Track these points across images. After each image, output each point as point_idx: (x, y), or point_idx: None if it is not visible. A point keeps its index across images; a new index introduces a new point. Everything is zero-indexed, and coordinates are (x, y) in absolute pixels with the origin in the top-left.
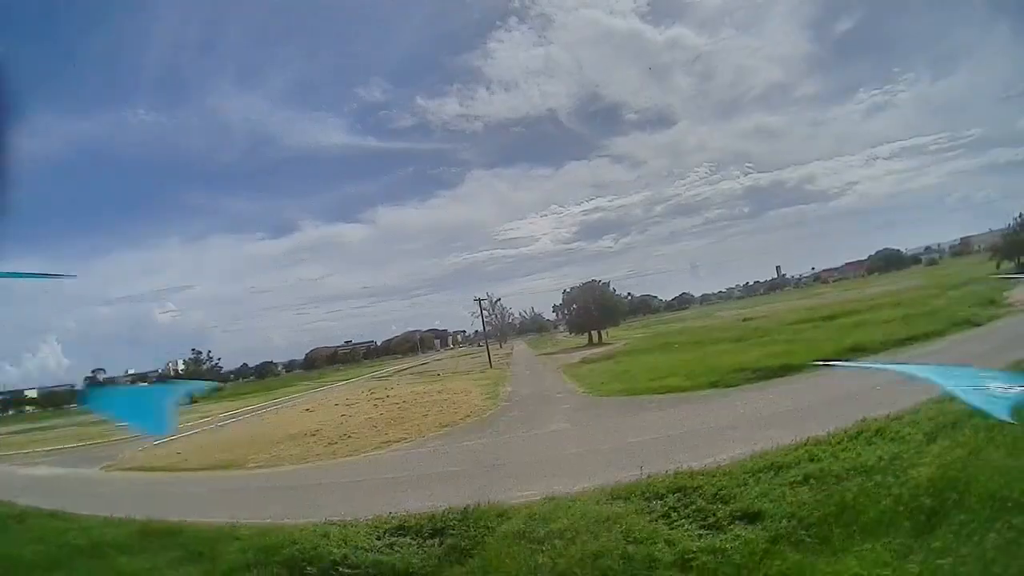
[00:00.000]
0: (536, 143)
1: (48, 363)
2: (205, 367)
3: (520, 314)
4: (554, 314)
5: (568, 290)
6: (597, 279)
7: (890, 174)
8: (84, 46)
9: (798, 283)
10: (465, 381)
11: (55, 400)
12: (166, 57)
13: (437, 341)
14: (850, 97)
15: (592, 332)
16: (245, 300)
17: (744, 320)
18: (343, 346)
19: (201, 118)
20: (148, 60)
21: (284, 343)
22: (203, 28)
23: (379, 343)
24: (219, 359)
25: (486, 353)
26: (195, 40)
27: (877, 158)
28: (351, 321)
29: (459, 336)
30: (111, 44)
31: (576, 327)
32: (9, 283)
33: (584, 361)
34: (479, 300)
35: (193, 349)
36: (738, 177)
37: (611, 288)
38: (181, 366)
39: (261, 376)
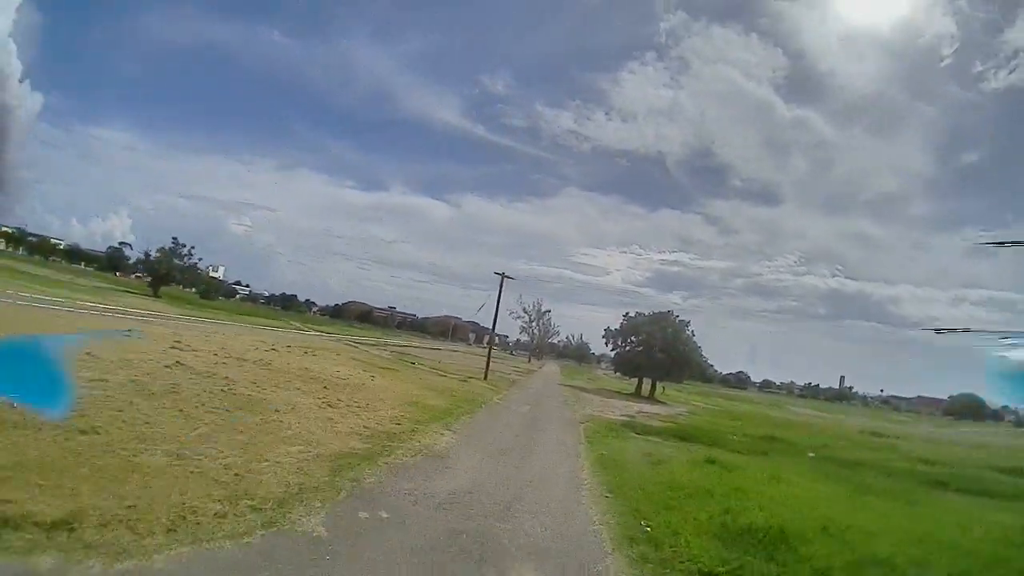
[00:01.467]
0: (637, 180)
1: (113, 232)
2: (184, 263)
3: (567, 337)
4: (604, 342)
5: (632, 314)
6: (673, 313)
7: (972, 319)
8: None
9: (865, 401)
10: (414, 388)
11: None
12: None
13: (472, 335)
14: (957, 231)
15: (642, 379)
16: (317, 239)
17: (874, 435)
18: (379, 308)
19: (330, 57)
20: None
21: (339, 289)
22: None
23: (419, 318)
24: (199, 258)
25: (486, 359)
26: None
27: (965, 300)
28: (407, 291)
29: (496, 337)
30: None
31: (626, 366)
32: (102, 150)
33: (631, 426)
34: (502, 275)
35: (174, 238)
36: (825, 276)
37: (690, 331)
38: (155, 254)
39: (285, 307)
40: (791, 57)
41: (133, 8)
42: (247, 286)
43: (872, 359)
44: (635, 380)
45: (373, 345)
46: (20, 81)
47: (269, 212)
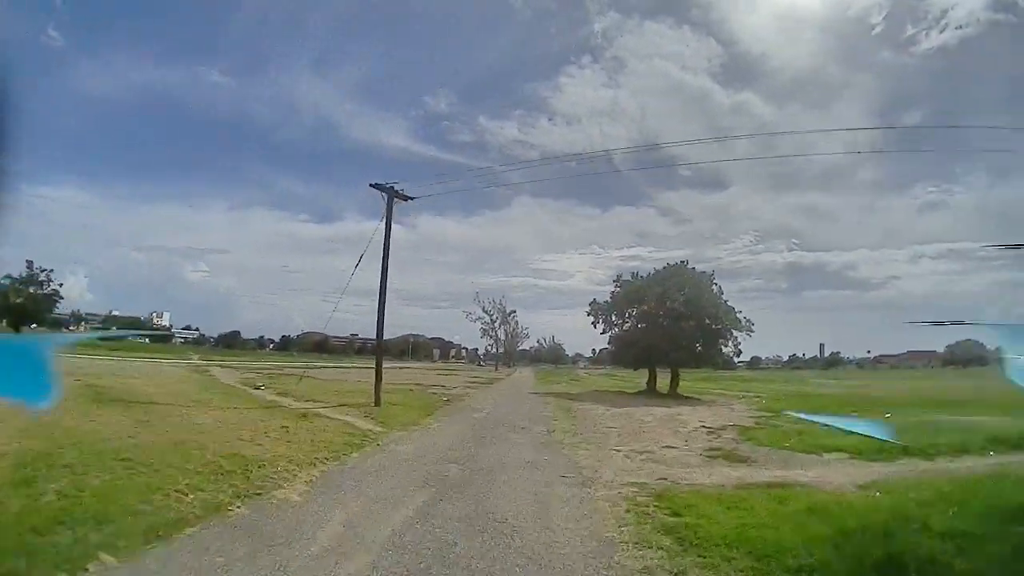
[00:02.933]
0: (587, 181)
1: (72, 293)
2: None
3: (539, 341)
4: (591, 321)
5: (628, 277)
6: (688, 263)
7: (933, 274)
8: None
9: (859, 364)
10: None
11: None
12: (249, 26)
13: (436, 351)
14: (906, 191)
15: (653, 369)
16: (276, 276)
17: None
18: (338, 337)
19: (271, 92)
20: (231, 25)
21: (304, 324)
22: (290, 7)
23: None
24: (60, 284)
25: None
26: (280, 16)
27: (923, 256)
28: (372, 318)
29: (463, 350)
30: (197, 2)
31: (627, 352)
32: (51, 209)
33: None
34: (381, 189)
35: (28, 261)
36: (782, 252)
37: (716, 286)
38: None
39: (228, 345)
40: (724, 44)
41: (66, 62)
42: (196, 329)
43: (842, 325)
44: (633, 372)
45: (258, 371)
46: None
47: (225, 255)
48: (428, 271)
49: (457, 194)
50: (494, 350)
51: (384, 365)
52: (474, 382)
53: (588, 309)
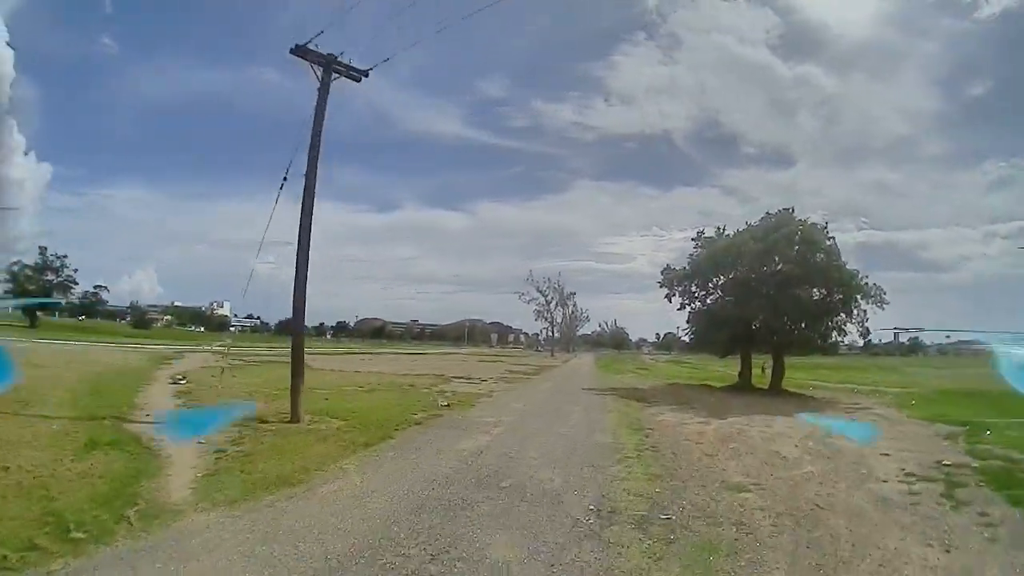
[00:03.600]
0: (647, 162)
1: (141, 287)
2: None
3: (600, 325)
4: (665, 294)
5: (712, 234)
6: (793, 212)
7: (1007, 254)
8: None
9: (941, 350)
10: None
11: None
12: (298, 23)
13: (494, 336)
14: (975, 166)
15: (748, 354)
16: (339, 266)
17: None
18: (397, 323)
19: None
20: (281, 23)
21: (367, 312)
22: (336, 1)
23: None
24: (75, 269)
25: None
26: (328, 11)
27: (995, 235)
28: (434, 304)
29: (522, 335)
30: (245, 2)
31: (714, 331)
32: (118, 208)
33: None
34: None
35: (41, 247)
36: (851, 231)
37: (831, 241)
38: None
39: (279, 332)
40: (781, 14)
41: (125, 70)
42: (258, 318)
43: (914, 308)
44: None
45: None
46: (25, 154)
47: (289, 246)
48: (488, 257)
49: (517, 179)
50: (550, 334)
51: (432, 351)
52: (515, 372)
53: (660, 279)
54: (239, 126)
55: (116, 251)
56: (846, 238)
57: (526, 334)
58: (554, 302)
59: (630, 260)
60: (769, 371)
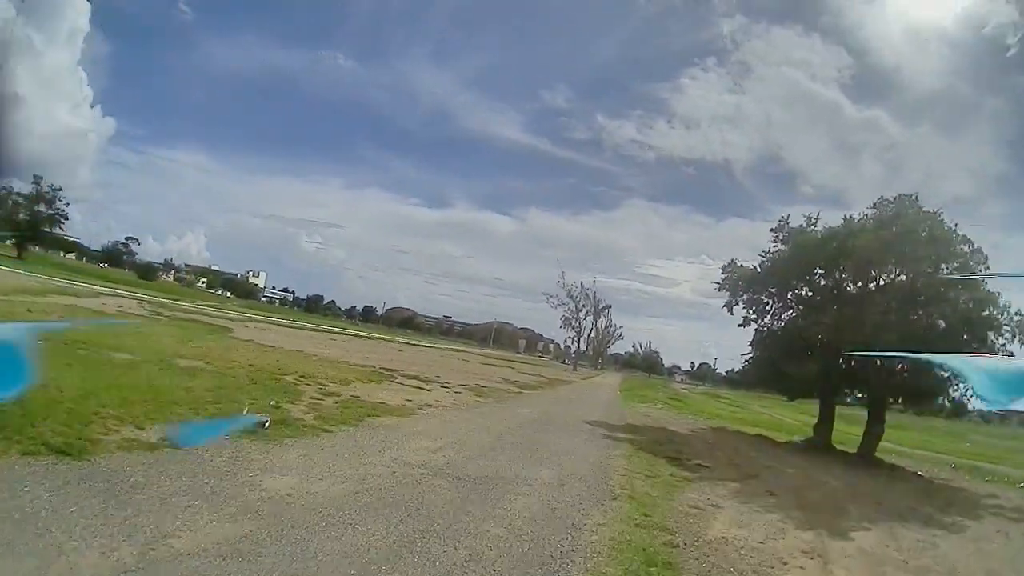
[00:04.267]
0: (703, 189)
1: (188, 249)
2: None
3: (634, 346)
4: (725, 304)
5: (809, 220)
6: (916, 198)
7: None
8: None
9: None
10: None
11: None
12: (372, 14)
13: (523, 342)
14: None
15: (830, 403)
16: (385, 255)
17: None
18: (428, 316)
19: (391, 78)
20: (355, 12)
21: (407, 303)
22: None
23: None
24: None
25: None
26: (402, 5)
27: None
28: (474, 305)
29: (552, 344)
30: None
31: (800, 369)
32: (177, 172)
33: None
34: None
35: (36, 176)
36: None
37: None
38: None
39: (309, 309)
40: (855, 55)
41: (198, 37)
42: (292, 291)
43: None
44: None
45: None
46: (92, 107)
47: (339, 229)
48: (531, 264)
49: (570, 190)
50: (576, 345)
51: (442, 346)
52: (511, 383)
53: (720, 280)
54: (303, 106)
55: (168, 211)
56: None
57: (557, 344)
58: (585, 311)
59: (674, 285)
60: (869, 433)
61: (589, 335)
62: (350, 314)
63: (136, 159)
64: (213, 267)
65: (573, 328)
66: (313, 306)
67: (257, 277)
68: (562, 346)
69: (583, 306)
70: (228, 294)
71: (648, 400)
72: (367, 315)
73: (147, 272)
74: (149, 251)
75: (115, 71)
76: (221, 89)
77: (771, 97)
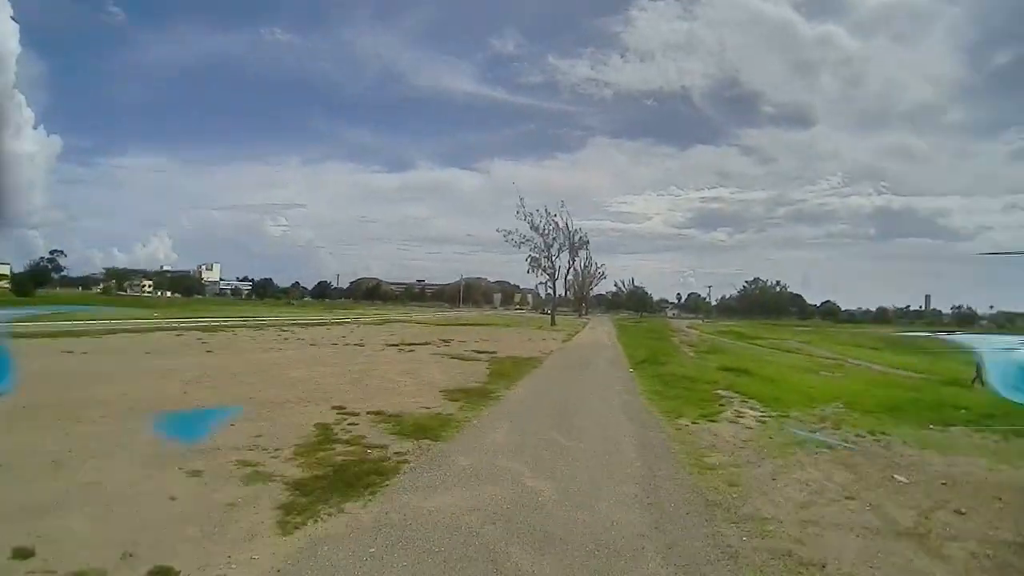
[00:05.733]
0: (664, 120)
1: (156, 255)
2: None
3: (616, 285)
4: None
5: None
6: None
7: None
8: None
9: (991, 319)
10: None
11: None
12: None
13: (497, 296)
14: (998, 135)
15: None
16: (353, 227)
17: None
18: (396, 283)
19: (334, 47)
20: None
21: (382, 273)
22: None
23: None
24: None
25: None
26: None
27: (1016, 207)
28: (448, 265)
29: (529, 295)
30: None
31: None
32: (132, 178)
33: None
34: None
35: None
36: (870, 195)
37: None
38: None
39: (259, 294)
40: None
41: (133, 36)
42: (250, 279)
43: (931, 276)
44: None
45: None
46: (35, 128)
47: (303, 209)
48: (503, 217)
49: (531, 137)
50: (552, 291)
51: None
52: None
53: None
54: (249, 89)
55: (130, 219)
56: (864, 202)
57: (537, 294)
58: (557, 246)
59: (646, 219)
60: None
61: (567, 277)
62: (314, 293)
63: (89, 172)
64: (165, 268)
65: (545, 271)
66: (264, 291)
67: (210, 270)
68: (543, 295)
69: (554, 240)
70: (169, 294)
71: (662, 360)
72: (322, 291)
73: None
74: (119, 262)
75: (54, 87)
76: (164, 85)
77: (723, 20)
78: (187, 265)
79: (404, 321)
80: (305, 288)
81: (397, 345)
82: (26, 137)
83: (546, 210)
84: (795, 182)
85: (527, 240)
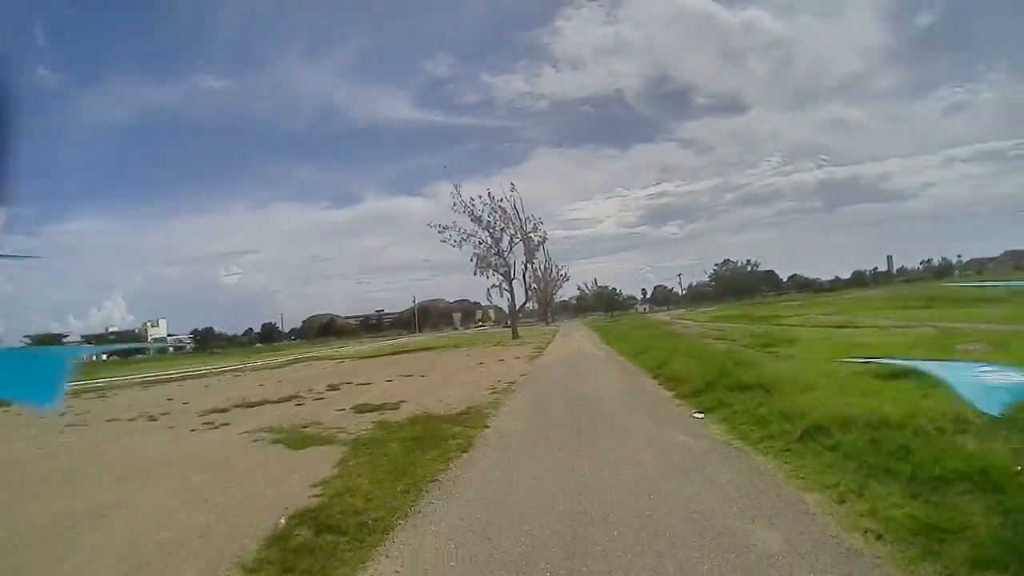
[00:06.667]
0: (603, 123)
1: (112, 316)
2: None
3: (579, 288)
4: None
5: None
6: None
7: (967, 178)
8: (154, 14)
9: (961, 270)
10: None
11: None
12: (235, 25)
13: (457, 315)
14: (929, 94)
15: None
16: (308, 266)
17: None
18: (351, 316)
19: (269, 87)
20: (217, 27)
21: (343, 309)
22: None
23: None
24: None
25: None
26: (264, 9)
27: (955, 160)
28: (408, 293)
29: (490, 311)
30: (181, 11)
31: None
32: (80, 242)
33: None
34: None
35: None
36: (812, 170)
37: None
38: None
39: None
40: None
41: (67, 96)
42: (198, 331)
43: (883, 239)
44: None
45: None
46: None
47: (254, 254)
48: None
49: (474, 156)
50: (510, 297)
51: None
52: None
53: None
54: (187, 138)
55: (82, 284)
56: (807, 177)
57: (499, 308)
58: (508, 239)
59: (597, 223)
60: None
61: (525, 277)
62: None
63: (33, 242)
64: (112, 330)
65: (497, 270)
66: (205, 342)
67: (156, 326)
68: (498, 301)
69: (503, 231)
70: (104, 357)
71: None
72: (267, 334)
73: None
74: (76, 330)
75: None
76: (102, 145)
77: (647, 20)
78: (142, 321)
79: (328, 358)
80: (259, 333)
81: (216, 411)
82: None
83: (489, 195)
84: (737, 167)
85: (469, 236)
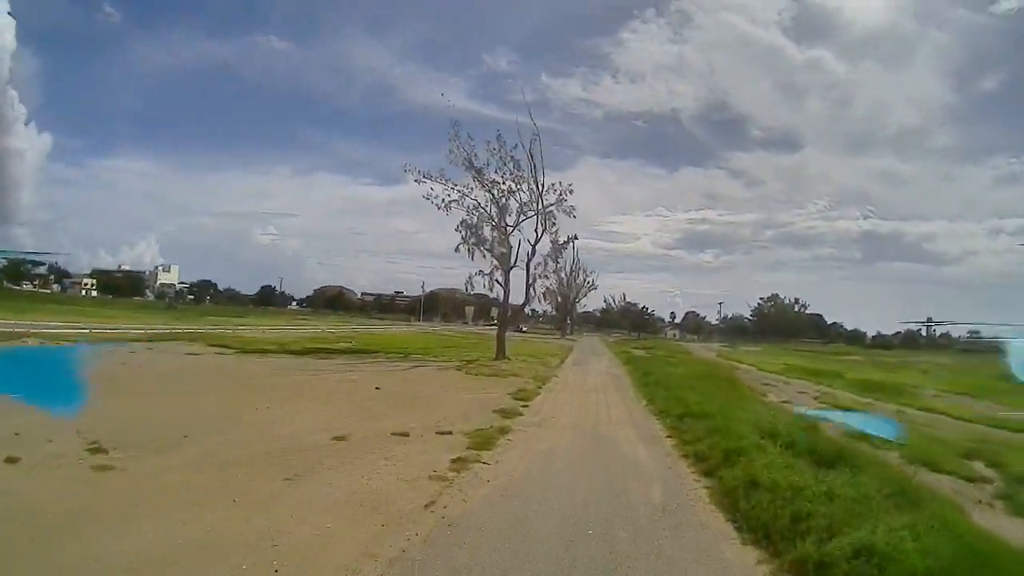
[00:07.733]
0: (654, 141)
1: (142, 258)
2: None
3: (606, 301)
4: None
5: None
6: None
7: (1012, 251)
8: None
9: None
10: None
11: None
12: None
13: (470, 309)
14: (984, 160)
15: None
16: (342, 239)
17: None
18: (368, 293)
19: (328, 57)
20: None
21: (368, 285)
22: None
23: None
24: None
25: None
26: None
27: (1001, 231)
28: (437, 279)
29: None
30: None
31: None
32: (121, 180)
33: None
34: None
35: None
36: (857, 219)
37: None
38: None
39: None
40: None
41: (128, 39)
42: (212, 283)
43: (918, 299)
44: None
45: None
46: (26, 124)
47: (292, 218)
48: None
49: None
50: (504, 290)
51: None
52: None
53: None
54: (242, 96)
55: (119, 222)
56: (851, 225)
57: (534, 311)
58: (517, 209)
59: (634, 239)
60: None
61: (530, 271)
62: (262, 300)
63: (78, 173)
64: (123, 268)
65: (489, 250)
66: (203, 294)
67: (168, 272)
68: (487, 287)
69: (510, 192)
70: (95, 294)
71: None
72: (265, 298)
73: None
74: (104, 264)
75: (47, 85)
76: (157, 89)
77: (712, 44)
78: (180, 268)
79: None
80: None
81: None
82: (18, 133)
83: (499, 139)
84: (783, 205)
85: (463, 195)
